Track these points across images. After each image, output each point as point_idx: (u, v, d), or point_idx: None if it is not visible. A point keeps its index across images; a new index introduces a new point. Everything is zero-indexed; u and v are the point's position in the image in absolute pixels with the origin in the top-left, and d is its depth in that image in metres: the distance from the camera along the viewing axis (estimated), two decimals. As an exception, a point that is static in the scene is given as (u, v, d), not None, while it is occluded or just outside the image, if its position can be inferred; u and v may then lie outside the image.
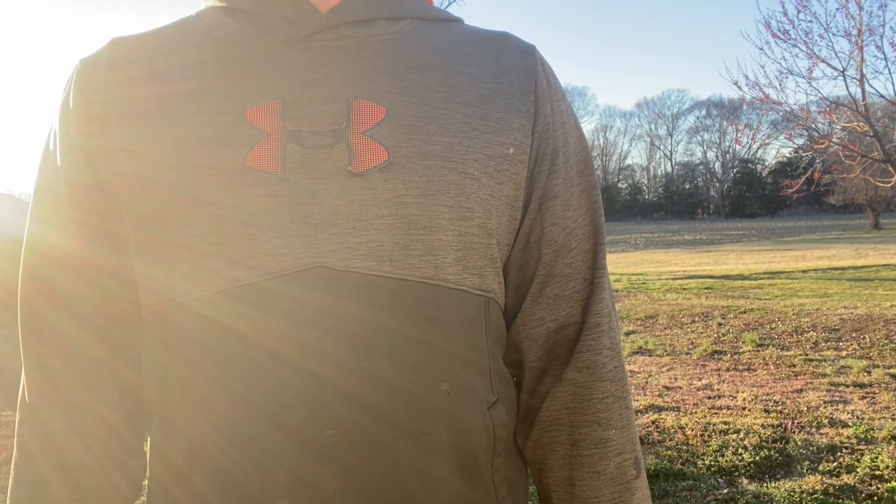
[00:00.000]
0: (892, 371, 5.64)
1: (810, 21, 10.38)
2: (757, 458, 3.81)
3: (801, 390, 5.22)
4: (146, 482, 0.72)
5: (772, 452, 3.89)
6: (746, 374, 5.84)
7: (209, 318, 0.64)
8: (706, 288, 11.10)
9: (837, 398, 4.97)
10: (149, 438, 0.71)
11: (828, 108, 11.03)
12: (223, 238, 0.64)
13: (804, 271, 13.11)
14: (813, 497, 3.30)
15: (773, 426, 4.35)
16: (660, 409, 4.82)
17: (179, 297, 0.65)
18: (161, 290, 0.67)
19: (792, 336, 7.17)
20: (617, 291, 10.75)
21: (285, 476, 0.62)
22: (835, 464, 3.69)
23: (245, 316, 0.63)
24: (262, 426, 0.62)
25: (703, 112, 76.60)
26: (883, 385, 5.27)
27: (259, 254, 0.63)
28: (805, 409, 4.71)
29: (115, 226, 0.70)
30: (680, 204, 73.43)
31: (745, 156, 70.06)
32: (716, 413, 4.70)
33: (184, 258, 0.65)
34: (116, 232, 0.70)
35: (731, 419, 4.51)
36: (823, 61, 10.04)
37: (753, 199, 67.01)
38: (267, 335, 0.62)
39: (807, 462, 3.75)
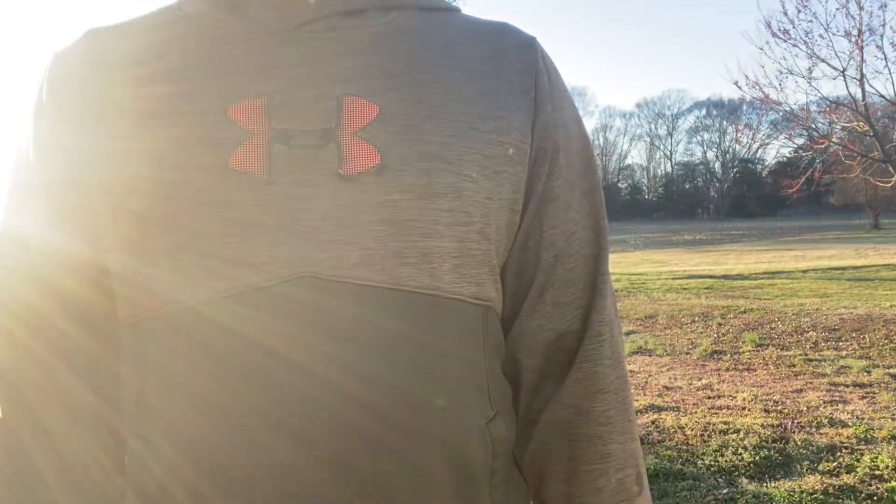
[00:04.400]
0: (892, 371, 5.63)
1: (810, 21, 10.40)
2: (757, 458, 3.81)
3: (800, 390, 5.21)
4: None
5: (772, 452, 3.88)
6: (746, 374, 5.84)
7: (196, 323, 0.62)
8: (706, 288, 11.09)
9: (837, 398, 4.97)
10: (132, 445, 0.68)
11: (828, 108, 11.06)
12: (206, 245, 0.61)
13: (804, 271, 13.09)
14: (813, 497, 3.29)
15: (772, 426, 4.34)
16: (660, 409, 4.81)
17: (172, 301, 0.63)
18: (146, 294, 0.64)
19: (792, 336, 7.16)
20: (617, 291, 10.69)
21: (285, 478, 0.61)
22: (835, 464, 3.69)
23: (236, 322, 0.61)
24: (263, 429, 0.60)
25: (703, 112, 76.56)
26: (883, 385, 5.26)
27: (243, 262, 0.61)
28: (805, 409, 4.71)
29: (94, 225, 0.67)
30: (680, 204, 73.31)
31: (745, 156, 70.03)
32: (716, 413, 4.69)
33: (165, 262, 0.63)
34: (96, 232, 0.67)
35: (730, 419, 4.51)
36: (823, 61, 10.06)
37: (753, 199, 66.89)
38: (256, 341, 0.60)
39: (807, 462, 3.74)
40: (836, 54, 10.11)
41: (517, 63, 0.70)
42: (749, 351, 6.64)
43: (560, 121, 0.72)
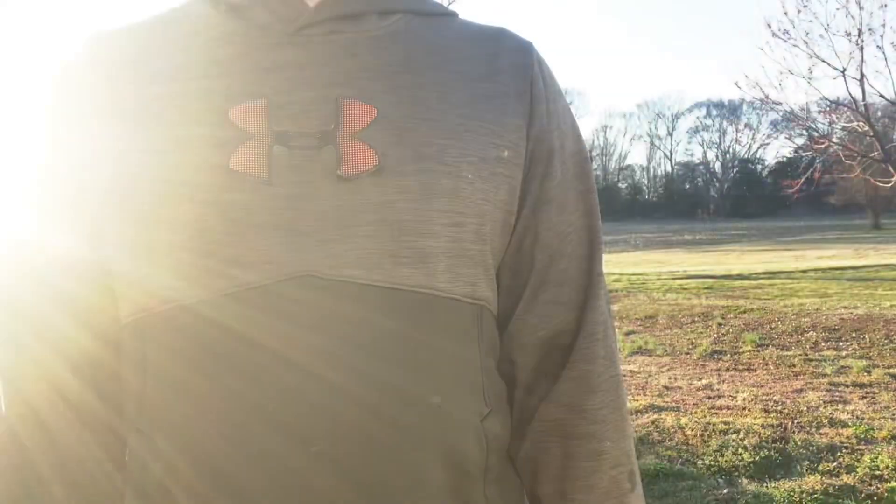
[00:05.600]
0: (891, 371, 5.64)
1: (810, 21, 10.40)
2: (757, 458, 3.81)
3: (800, 390, 5.22)
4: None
5: (772, 452, 3.89)
6: (746, 374, 5.84)
7: (195, 322, 0.62)
8: (706, 288, 11.09)
9: (837, 398, 4.97)
10: (129, 443, 0.69)
11: (828, 108, 11.06)
12: (206, 244, 0.62)
13: (804, 271, 13.10)
14: (813, 497, 3.29)
15: (772, 426, 4.35)
16: (660, 409, 4.81)
17: (172, 300, 0.64)
18: (146, 293, 0.65)
19: (792, 336, 7.17)
20: (617, 291, 10.74)
21: (282, 475, 0.61)
22: (835, 464, 3.69)
23: (235, 320, 0.61)
24: (262, 427, 0.61)
25: (703, 112, 76.54)
26: (883, 385, 5.27)
27: (242, 261, 0.61)
28: (805, 409, 4.71)
29: (95, 224, 0.68)
30: (680, 204, 73.26)
31: (745, 156, 70.12)
32: (716, 413, 4.69)
33: (165, 261, 0.63)
34: (96, 231, 0.68)
35: (730, 419, 4.51)
36: (823, 61, 10.05)
37: (753, 199, 66.88)
38: (255, 339, 0.61)
39: (807, 462, 3.75)
40: (836, 54, 10.11)
41: (513, 67, 0.72)
42: (749, 351, 6.64)
43: (555, 124, 0.73)
